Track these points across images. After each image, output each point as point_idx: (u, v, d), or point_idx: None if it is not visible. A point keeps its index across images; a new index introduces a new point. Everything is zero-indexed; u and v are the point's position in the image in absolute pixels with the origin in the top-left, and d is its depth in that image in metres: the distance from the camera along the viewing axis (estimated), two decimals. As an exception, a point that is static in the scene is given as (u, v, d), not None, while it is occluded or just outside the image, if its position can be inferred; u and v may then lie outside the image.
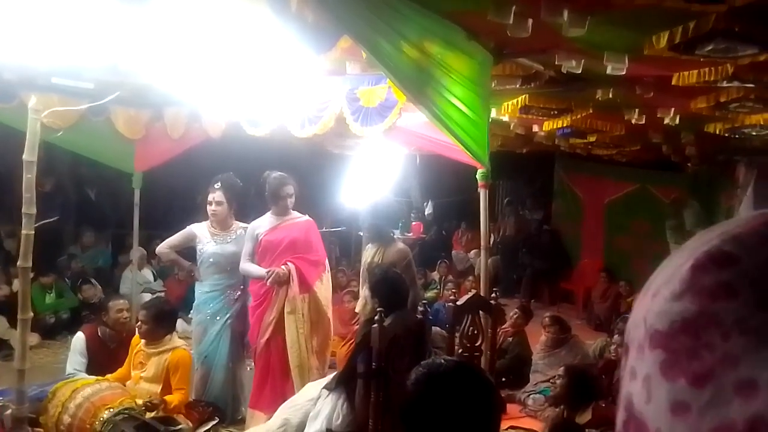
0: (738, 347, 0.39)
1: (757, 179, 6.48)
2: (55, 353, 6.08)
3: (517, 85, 3.77)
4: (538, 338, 5.68)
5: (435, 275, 8.66)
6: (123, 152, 5.73)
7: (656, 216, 7.87)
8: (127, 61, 3.52)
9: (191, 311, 4.87)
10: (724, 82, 3.28)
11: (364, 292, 4.70)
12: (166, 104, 5.07)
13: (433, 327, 5.54)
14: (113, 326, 4.70)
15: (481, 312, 3.79)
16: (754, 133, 4.91)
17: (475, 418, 1.60)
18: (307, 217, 4.58)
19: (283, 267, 4.28)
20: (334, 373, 3.79)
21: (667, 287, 0.44)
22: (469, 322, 3.70)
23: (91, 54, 3.32)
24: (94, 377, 4.21)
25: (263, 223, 4.49)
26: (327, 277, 4.56)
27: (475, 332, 3.71)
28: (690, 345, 0.41)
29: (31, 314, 3.72)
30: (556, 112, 4.63)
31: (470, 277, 8.05)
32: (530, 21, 2.62)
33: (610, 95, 3.97)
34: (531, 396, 5.16)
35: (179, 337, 4.45)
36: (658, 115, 4.69)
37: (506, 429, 4.66)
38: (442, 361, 1.76)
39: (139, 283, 6.96)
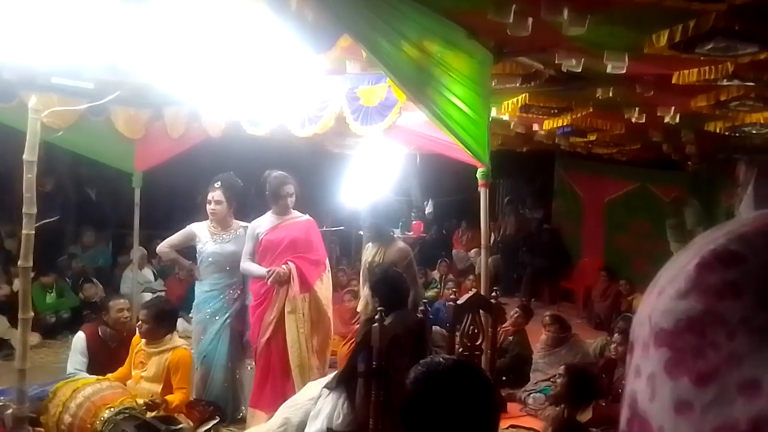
0: (743, 346, 0.39)
1: (757, 178, 6.46)
2: (55, 353, 6.07)
3: (517, 84, 3.76)
4: (539, 337, 5.67)
5: (435, 274, 8.65)
6: (123, 152, 5.73)
7: (656, 215, 7.85)
8: (126, 60, 3.52)
9: (192, 311, 4.88)
10: (725, 80, 3.28)
11: (364, 291, 4.69)
12: (165, 104, 5.07)
13: (433, 326, 5.54)
14: (114, 326, 4.69)
15: (481, 311, 3.78)
16: (754, 132, 4.91)
17: (474, 416, 1.60)
18: (307, 216, 4.57)
19: (283, 266, 4.28)
20: (335, 373, 3.78)
21: (672, 285, 0.44)
22: (469, 321, 3.70)
23: (90, 54, 3.32)
24: (94, 377, 4.21)
25: (264, 223, 4.48)
26: (327, 276, 4.56)
27: (476, 331, 3.70)
28: (695, 344, 0.41)
29: (32, 314, 3.72)
30: (556, 111, 4.63)
31: (471, 276, 8.03)
32: (530, 20, 2.61)
33: (611, 94, 3.97)
34: (531, 395, 5.16)
35: (180, 337, 4.45)
36: (659, 114, 4.69)
37: (507, 428, 4.66)
38: (441, 359, 1.76)
39: (139, 283, 6.96)
